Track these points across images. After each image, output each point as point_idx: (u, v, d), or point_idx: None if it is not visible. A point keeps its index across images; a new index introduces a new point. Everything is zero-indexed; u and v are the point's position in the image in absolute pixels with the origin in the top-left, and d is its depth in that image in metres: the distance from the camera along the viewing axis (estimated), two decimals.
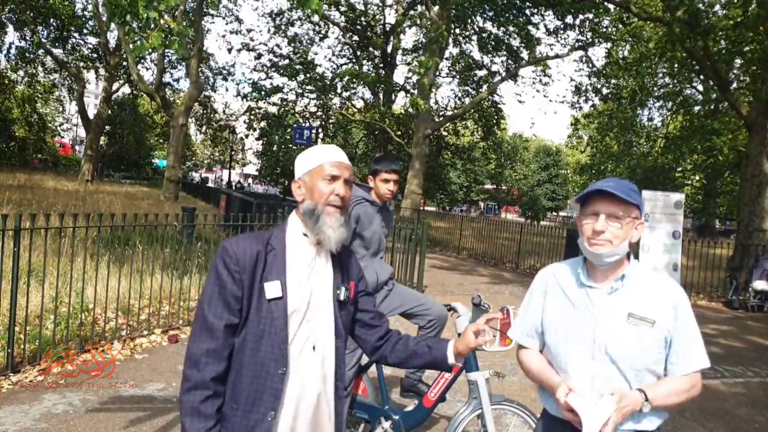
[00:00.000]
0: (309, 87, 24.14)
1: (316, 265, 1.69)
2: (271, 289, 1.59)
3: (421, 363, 1.83)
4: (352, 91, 25.34)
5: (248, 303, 1.59)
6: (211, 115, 33.35)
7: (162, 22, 5.43)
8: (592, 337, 1.69)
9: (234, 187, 40.75)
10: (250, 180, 61.63)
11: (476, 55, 37.31)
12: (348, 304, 1.74)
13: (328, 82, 23.53)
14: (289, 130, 25.82)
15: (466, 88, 24.45)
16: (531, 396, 4.82)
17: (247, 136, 30.96)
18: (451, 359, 1.78)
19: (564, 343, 1.74)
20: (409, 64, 26.98)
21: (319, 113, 27.79)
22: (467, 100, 23.97)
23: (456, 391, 4.17)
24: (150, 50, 5.93)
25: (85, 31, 27.23)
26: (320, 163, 1.67)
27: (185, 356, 1.59)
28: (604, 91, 22.11)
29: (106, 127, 33.93)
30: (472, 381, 2.95)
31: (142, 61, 28.04)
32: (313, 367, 1.63)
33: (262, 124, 28.06)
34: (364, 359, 3.36)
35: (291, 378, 1.59)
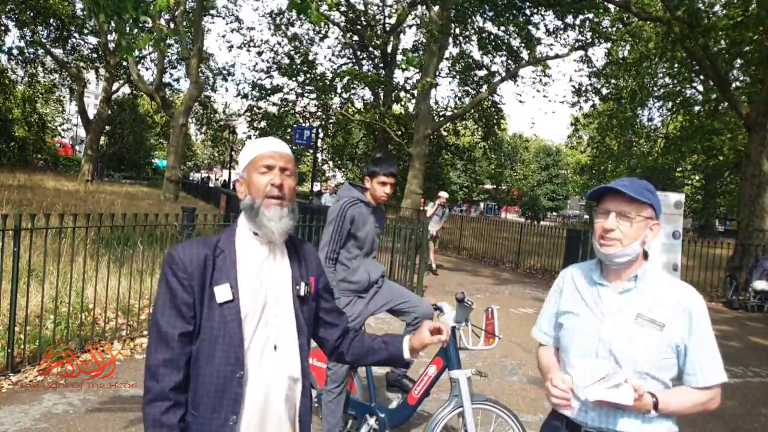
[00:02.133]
0: (309, 87, 24.14)
1: (271, 263, 1.64)
2: (221, 292, 1.55)
3: (378, 359, 1.80)
4: (352, 92, 25.33)
5: (200, 309, 1.55)
6: (211, 115, 33.35)
7: (151, 24, 5.42)
8: (597, 335, 1.67)
9: (232, 187, 40.71)
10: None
11: (476, 55, 37.38)
12: (309, 299, 1.70)
13: (328, 82, 23.53)
14: (289, 130, 25.80)
15: (466, 88, 24.43)
16: (531, 396, 4.83)
17: (249, 136, 30.95)
18: (406, 354, 1.75)
19: (571, 340, 1.74)
20: (402, 62, 26.95)
21: (319, 113, 27.79)
22: (467, 100, 23.96)
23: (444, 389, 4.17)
24: (138, 52, 5.94)
25: (85, 31, 27.24)
26: (254, 155, 1.62)
27: (144, 368, 1.56)
28: (604, 91, 22.11)
29: (106, 127, 33.96)
30: (453, 379, 2.97)
31: (142, 61, 28.07)
32: (276, 368, 1.60)
33: (263, 124, 28.05)
34: None
35: (252, 381, 1.56)
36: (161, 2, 5.31)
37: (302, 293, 1.67)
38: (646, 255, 1.73)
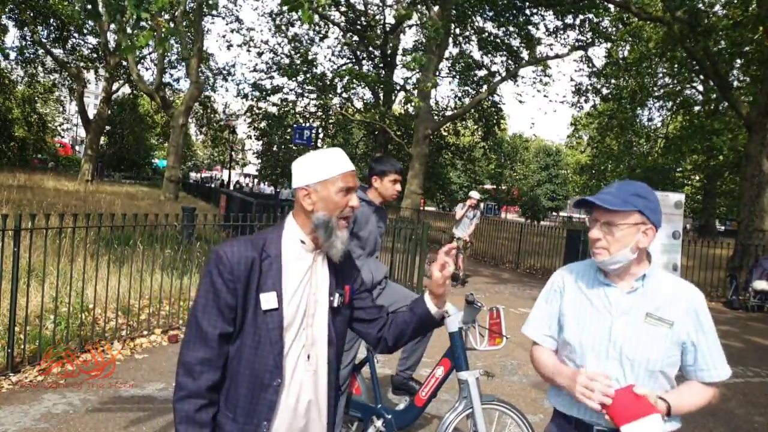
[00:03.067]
0: (309, 87, 24.14)
1: (313, 272, 1.64)
2: (267, 300, 1.55)
3: (413, 329, 1.78)
4: (352, 92, 25.33)
5: (243, 313, 1.55)
6: (211, 115, 33.36)
7: (152, 23, 5.42)
8: (608, 336, 1.67)
9: (235, 188, 40.73)
10: (248, 180, 61.22)
11: (476, 55, 37.37)
12: (342, 309, 1.71)
13: (328, 82, 23.53)
14: (289, 130, 25.81)
15: (466, 88, 24.44)
16: (531, 396, 4.83)
17: (249, 137, 30.95)
18: (432, 308, 1.73)
19: (581, 341, 1.72)
20: (408, 63, 26.95)
21: (319, 113, 27.78)
22: (467, 100, 23.96)
23: (452, 390, 4.17)
24: (139, 50, 5.94)
25: (85, 31, 27.24)
26: (336, 174, 1.60)
27: (178, 363, 1.57)
28: (604, 91, 22.12)
29: (106, 127, 33.93)
30: (462, 380, 2.96)
31: (142, 61, 28.08)
32: (307, 377, 1.61)
33: (263, 124, 28.05)
34: (359, 358, 3.39)
35: (286, 389, 1.57)
36: (160, 1, 5.30)
37: (336, 304, 1.67)
38: (649, 257, 1.74)
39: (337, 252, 1.62)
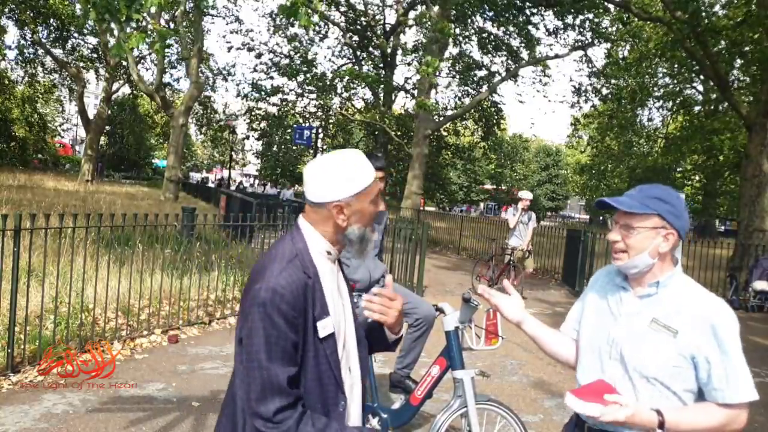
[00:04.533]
0: (309, 87, 24.16)
1: (339, 281, 1.55)
2: (324, 327, 1.42)
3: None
4: (352, 92, 25.34)
5: (304, 345, 1.40)
6: (211, 116, 33.38)
7: (147, 23, 5.41)
8: (611, 337, 1.68)
9: (237, 189, 40.71)
10: (248, 180, 61.01)
11: (476, 55, 37.36)
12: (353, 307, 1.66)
13: (328, 82, 23.55)
14: (289, 130, 25.84)
15: (466, 88, 24.45)
16: (531, 396, 4.83)
17: (248, 137, 30.96)
18: (389, 335, 1.67)
19: (587, 340, 1.75)
20: (409, 64, 26.98)
21: (319, 113, 27.79)
22: (467, 100, 23.97)
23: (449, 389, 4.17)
24: (131, 51, 5.93)
25: (85, 31, 27.24)
26: (370, 183, 1.46)
27: (254, 417, 1.37)
28: (604, 91, 22.12)
29: (106, 127, 33.95)
30: (457, 379, 2.97)
31: (143, 61, 28.07)
32: (354, 390, 1.54)
33: (263, 124, 28.07)
34: None
35: (348, 408, 1.49)
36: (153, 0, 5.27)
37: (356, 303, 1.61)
38: (676, 261, 1.69)
39: (368, 255, 1.54)
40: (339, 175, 1.44)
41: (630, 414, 1.49)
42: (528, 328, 1.89)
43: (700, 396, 1.62)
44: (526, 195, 9.52)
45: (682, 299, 1.62)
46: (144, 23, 5.62)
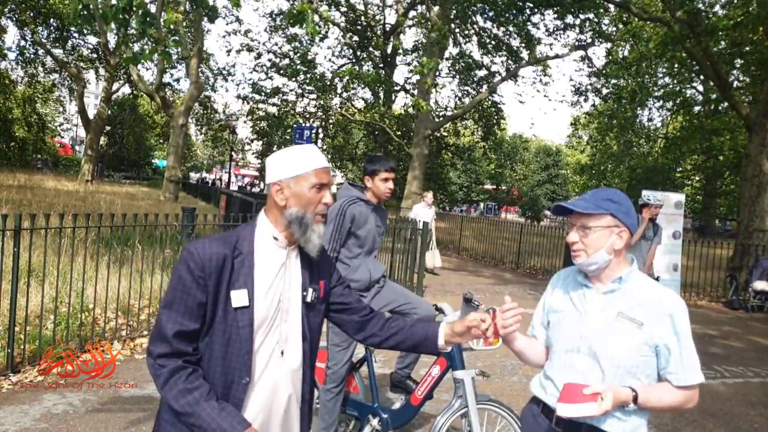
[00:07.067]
0: (309, 87, 24.15)
1: (286, 268, 1.64)
2: (238, 298, 1.54)
3: (410, 344, 1.81)
4: (352, 92, 25.33)
5: (213, 310, 1.54)
6: (211, 116, 33.36)
7: (157, 35, 5.46)
8: (579, 333, 1.77)
9: (238, 188, 40.67)
10: (240, 179, 60.54)
11: (476, 55, 37.34)
12: (317, 304, 1.72)
13: (328, 82, 23.55)
14: (289, 130, 25.81)
15: (466, 88, 24.45)
16: (530, 396, 4.82)
17: (252, 140, 31.00)
18: (441, 342, 1.78)
19: (557, 337, 1.85)
20: (409, 64, 26.99)
21: (319, 113, 27.78)
22: (467, 100, 23.96)
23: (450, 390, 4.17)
24: (142, 63, 5.98)
25: (85, 31, 27.23)
26: (309, 170, 1.61)
27: (147, 351, 1.57)
28: (604, 91, 22.13)
29: (106, 127, 33.91)
30: (458, 379, 2.97)
31: (142, 61, 28.04)
32: (281, 373, 1.61)
33: (263, 124, 28.07)
34: (356, 357, 3.39)
35: (257, 387, 1.57)
36: (170, 17, 5.35)
37: (309, 299, 1.67)
38: (631, 260, 1.83)
39: (314, 246, 1.62)
40: (282, 160, 1.63)
41: (612, 397, 1.63)
42: (518, 344, 1.96)
43: (659, 381, 1.79)
44: (655, 200, 6.25)
45: (642, 293, 1.75)
46: (155, 35, 5.68)
